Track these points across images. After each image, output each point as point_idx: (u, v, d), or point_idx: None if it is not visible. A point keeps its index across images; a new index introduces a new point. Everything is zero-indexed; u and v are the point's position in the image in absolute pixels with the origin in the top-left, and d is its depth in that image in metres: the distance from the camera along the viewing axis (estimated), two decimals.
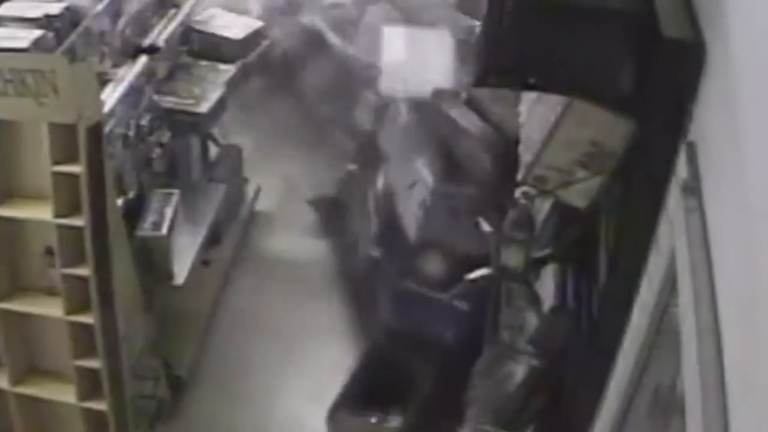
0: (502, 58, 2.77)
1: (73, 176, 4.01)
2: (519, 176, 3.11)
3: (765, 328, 1.75)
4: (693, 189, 2.32)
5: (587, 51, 2.73)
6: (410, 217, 5.49)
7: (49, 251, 4.26)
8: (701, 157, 2.37)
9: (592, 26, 2.73)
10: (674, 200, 2.47)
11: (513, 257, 3.90)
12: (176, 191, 5.09)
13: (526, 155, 3.12)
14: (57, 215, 4.09)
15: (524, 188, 3.20)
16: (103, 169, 4.12)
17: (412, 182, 5.53)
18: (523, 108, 4.12)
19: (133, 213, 4.82)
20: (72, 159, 3.99)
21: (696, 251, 2.20)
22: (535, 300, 3.66)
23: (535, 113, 3.58)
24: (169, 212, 4.91)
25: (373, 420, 5.21)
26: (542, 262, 3.59)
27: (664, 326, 2.55)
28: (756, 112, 1.97)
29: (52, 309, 4.29)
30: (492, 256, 4.26)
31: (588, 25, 2.73)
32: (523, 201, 3.67)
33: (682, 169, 2.42)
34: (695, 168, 2.36)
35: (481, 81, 2.89)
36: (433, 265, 5.47)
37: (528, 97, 3.99)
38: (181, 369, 5.19)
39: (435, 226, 5.44)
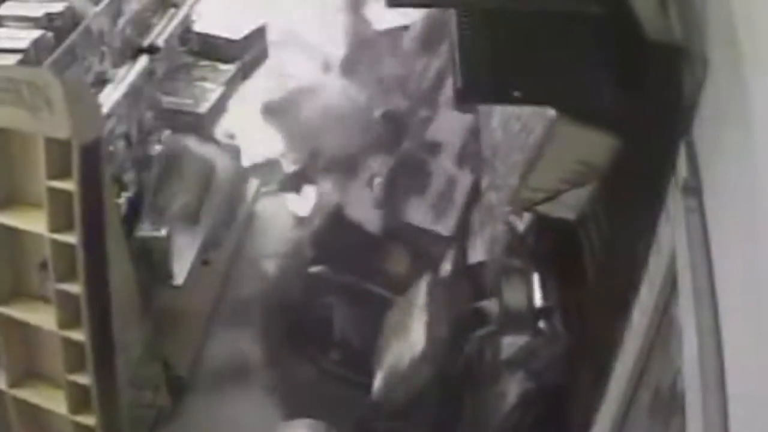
0: (480, 73, 2.73)
1: (68, 192, 3.98)
2: (506, 199, 3.11)
3: (765, 327, 1.75)
4: (693, 189, 2.32)
5: (567, 59, 2.70)
6: (367, 211, 5.46)
7: (44, 265, 4.22)
8: (701, 156, 2.37)
9: (567, 32, 2.70)
10: (674, 200, 2.47)
11: (516, 295, 3.82)
12: (176, 191, 5.09)
13: (508, 176, 3.11)
14: (51, 230, 4.06)
15: (511, 208, 3.20)
16: (101, 186, 4.10)
17: (369, 178, 5.54)
18: (495, 122, 4.10)
19: (133, 213, 4.82)
20: (66, 175, 3.96)
21: (696, 251, 2.20)
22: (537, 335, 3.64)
23: (510, 130, 3.56)
24: (169, 212, 4.92)
25: None
26: (549, 311, 3.56)
27: (664, 326, 2.54)
28: (757, 110, 1.97)
29: (48, 319, 4.27)
30: (497, 298, 4.18)
31: (563, 31, 2.70)
32: (511, 218, 3.66)
33: (682, 168, 2.42)
34: (695, 167, 2.36)
35: (462, 98, 2.86)
36: (400, 258, 5.46)
37: (503, 112, 3.97)
38: (181, 369, 5.19)
39: (398, 202, 5.45)
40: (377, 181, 5.52)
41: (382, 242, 5.44)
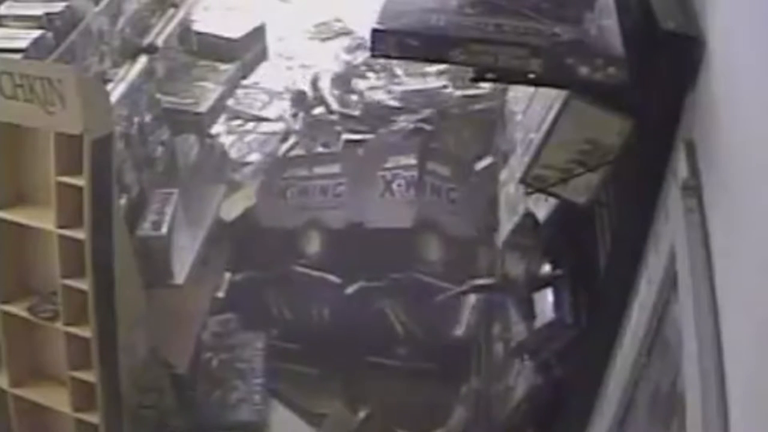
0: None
1: (78, 188, 4.00)
2: (519, 176, 3.11)
3: (766, 327, 1.75)
4: (693, 188, 2.32)
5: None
6: (394, 210, 5.56)
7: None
8: (700, 155, 2.37)
9: None
10: (673, 200, 2.47)
11: (515, 266, 3.89)
12: (176, 191, 5.10)
13: (525, 155, 3.13)
14: (59, 225, 4.07)
15: (524, 187, 3.20)
16: (111, 182, 4.12)
17: (390, 179, 5.62)
18: (517, 107, 4.13)
19: (133, 213, 4.83)
20: (77, 170, 3.98)
21: (696, 251, 2.20)
22: (528, 316, 3.66)
23: (531, 111, 3.58)
24: (169, 212, 4.93)
25: None
26: (546, 282, 3.57)
27: (664, 326, 2.55)
28: (757, 107, 1.97)
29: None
30: (496, 264, 4.25)
31: None
32: (530, 206, 3.68)
33: (681, 168, 2.42)
34: (695, 167, 2.36)
35: (480, 79, 2.89)
36: (434, 248, 5.56)
37: (525, 95, 4.01)
38: (181, 367, 5.20)
39: (431, 202, 5.55)
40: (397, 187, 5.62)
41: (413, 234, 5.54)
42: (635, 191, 2.81)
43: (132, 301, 4.52)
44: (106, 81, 4.64)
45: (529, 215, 3.76)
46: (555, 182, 2.95)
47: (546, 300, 3.51)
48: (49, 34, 4.30)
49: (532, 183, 3.03)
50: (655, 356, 2.62)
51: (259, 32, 6.06)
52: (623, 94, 2.67)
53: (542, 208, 3.62)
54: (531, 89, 3.75)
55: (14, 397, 4.49)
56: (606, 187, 2.98)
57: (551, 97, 3.08)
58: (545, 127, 2.96)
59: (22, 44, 4.17)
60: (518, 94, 4.29)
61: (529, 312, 3.66)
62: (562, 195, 3.01)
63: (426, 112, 6.20)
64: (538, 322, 3.52)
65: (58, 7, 4.41)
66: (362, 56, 6.91)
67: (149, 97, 5.10)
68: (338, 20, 7.95)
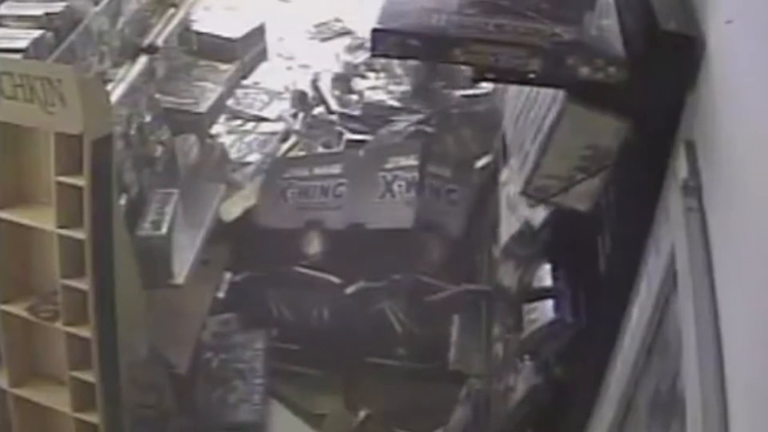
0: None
1: (78, 188, 4.00)
2: (519, 188, 3.10)
3: (765, 328, 1.75)
4: (693, 188, 2.33)
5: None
6: (394, 211, 5.57)
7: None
8: (700, 155, 2.37)
9: None
10: (674, 200, 2.48)
11: (508, 276, 3.89)
12: (176, 191, 5.11)
13: (523, 166, 3.11)
14: (59, 225, 4.07)
15: (526, 199, 3.19)
16: (111, 182, 4.12)
17: (390, 179, 5.63)
18: (507, 113, 4.13)
19: (133, 213, 4.84)
20: (77, 170, 3.98)
21: (696, 251, 2.20)
22: (516, 327, 3.66)
23: (525, 118, 3.57)
24: (169, 212, 4.93)
25: None
26: (539, 295, 3.57)
27: (663, 326, 2.55)
28: (757, 107, 1.97)
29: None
30: (489, 271, 4.24)
31: None
32: (527, 213, 3.68)
33: (681, 167, 2.43)
34: (695, 167, 2.37)
35: (480, 78, 2.89)
36: (434, 249, 5.57)
37: (518, 101, 3.99)
38: (181, 367, 5.21)
39: (431, 203, 5.57)
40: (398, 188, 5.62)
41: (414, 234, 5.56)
42: (635, 192, 2.81)
43: (132, 301, 4.52)
44: (106, 81, 4.64)
45: (528, 224, 3.75)
46: (557, 192, 2.94)
47: (546, 300, 3.51)
48: (49, 34, 4.30)
49: (534, 194, 3.02)
50: (655, 356, 2.62)
51: (259, 32, 6.07)
52: (623, 94, 2.67)
53: (542, 209, 3.62)
54: (530, 89, 3.75)
55: (14, 397, 4.49)
56: (606, 188, 2.98)
57: (545, 105, 3.07)
58: (542, 137, 2.95)
59: (22, 44, 4.17)
60: (518, 94, 4.28)
61: (517, 323, 3.67)
62: (565, 203, 3.00)
63: (426, 113, 6.20)
64: (538, 323, 3.52)
65: (58, 7, 4.41)
66: (362, 56, 6.91)
67: (149, 97, 5.10)
68: (338, 20, 7.97)
